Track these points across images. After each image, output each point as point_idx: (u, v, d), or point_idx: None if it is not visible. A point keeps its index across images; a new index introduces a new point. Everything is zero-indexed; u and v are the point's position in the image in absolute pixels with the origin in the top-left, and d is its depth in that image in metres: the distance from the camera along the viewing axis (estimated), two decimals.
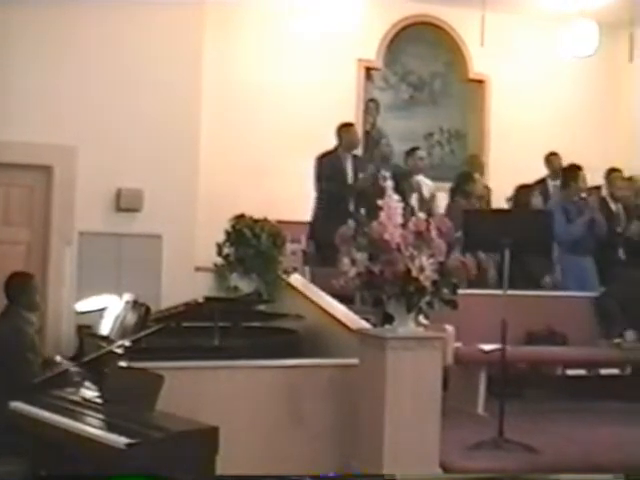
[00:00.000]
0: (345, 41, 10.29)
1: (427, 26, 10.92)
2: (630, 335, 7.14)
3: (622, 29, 9.75)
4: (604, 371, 7.55)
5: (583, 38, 10.07)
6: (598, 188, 8.85)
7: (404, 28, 10.76)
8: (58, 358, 5.94)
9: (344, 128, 8.51)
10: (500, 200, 9.10)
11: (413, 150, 9.19)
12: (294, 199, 9.08)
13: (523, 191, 8.46)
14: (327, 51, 10.18)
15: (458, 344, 6.46)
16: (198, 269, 7.57)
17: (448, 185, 8.87)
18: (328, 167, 8.31)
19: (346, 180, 8.32)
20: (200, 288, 6.83)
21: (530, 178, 8.87)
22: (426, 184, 8.93)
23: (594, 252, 8.29)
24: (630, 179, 9.23)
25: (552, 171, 9.32)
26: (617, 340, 7.16)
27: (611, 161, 9.63)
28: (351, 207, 8.18)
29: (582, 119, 11.24)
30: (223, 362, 5.29)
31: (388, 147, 9.17)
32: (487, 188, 9.17)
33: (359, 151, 8.95)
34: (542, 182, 9.27)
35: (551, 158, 9.46)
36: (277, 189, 9.42)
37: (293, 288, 6.84)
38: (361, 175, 8.34)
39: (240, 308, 6.33)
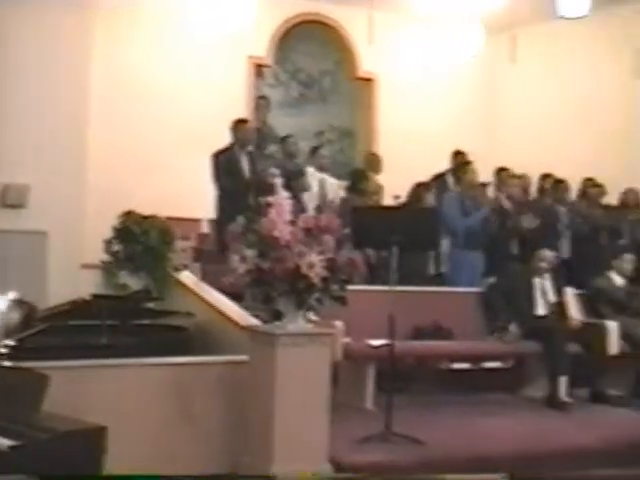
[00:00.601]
0: (235, 38, 10.28)
1: (317, 24, 11.02)
2: (513, 328, 7.33)
3: (505, 31, 10.02)
4: (488, 364, 7.75)
5: (468, 39, 10.33)
6: (485, 185, 9.09)
7: (294, 26, 10.83)
8: None
9: (238, 124, 8.51)
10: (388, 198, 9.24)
11: (316, 148, 9.30)
12: (185, 196, 9.04)
13: (420, 189, 8.60)
14: (218, 48, 10.17)
15: (347, 340, 6.52)
16: (85, 266, 7.45)
17: (344, 183, 8.96)
18: (224, 163, 8.29)
19: (243, 176, 8.32)
20: (88, 285, 6.72)
21: (420, 175, 9.00)
22: (330, 182, 9.02)
23: (484, 247, 8.53)
24: (521, 177, 9.52)
25: (454, 168, 9.51)
26: (501, 333, 7.34)
27: (498, 158, 9.91)
28: (250, 203, 8.17)
29: (469, 118, 11.52)
30: (111, 360, 5.22)
31: (295, 145, 9.21)
32: (379, 186, 9.28)
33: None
34: (440, 177, 9.45)
35: (458, 156, 9.63)
36: (168, 185, 9.36)
37: (183, 285, 6.80)
38: (259, 170, 8.36)
39: (129, 306, 6.27)
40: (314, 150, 9.25)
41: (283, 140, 9.26)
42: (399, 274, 6.01)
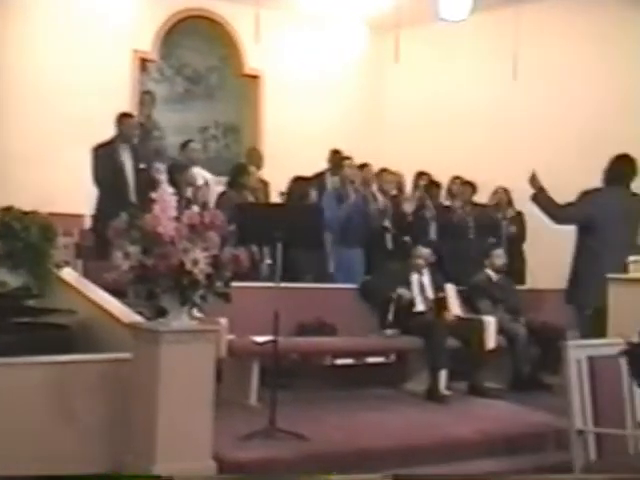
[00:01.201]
0: (120, 31, 10.17)
1: (203, 20, 10.99)
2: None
3: (389, 32, 10.18)
4: (371, 359, 7.87)
5: (353, 39, 10.48)
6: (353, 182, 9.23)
7: (180, 21, 10.78)
8: None
9: (122, 118, 8.43)
10: (275, 194, 9.28)
11: (187, 143, 9.25)
12: (68, 191, 8.89)
13: (298, 183, 8.66)
14: (102, 41, 10.03)
15: (231, 336, 6.54)
16: None
17: (224, 178, 8.97)
18: (105, 158, 8.18)
19: (123, 172, 8.22)
20: None
21: (305, 173, 9.08)
22: (203, 176, 8.97)
23: (363, 244, 8.66)
24: (394, 174, 9.70)
25: (333, 166, 9.61)
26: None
27: (382, 157, 10.07)
28: (132, 199, 8.08)
29: (354, 116, 11.66)
30: None
31: (161, 140, 9.16)
32: (264, 182, 9.31)
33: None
34: (320, 175, 9.54)
35: (335, 155, 9.71)
36: (50, 180, 9.19)
37: (65, 282, 6.69)
38: (141, 166, 8.29)
39: (8, 303, 6.13)
40: (185, 144, 9.21)
41: (150, 134, 9.22)
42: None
